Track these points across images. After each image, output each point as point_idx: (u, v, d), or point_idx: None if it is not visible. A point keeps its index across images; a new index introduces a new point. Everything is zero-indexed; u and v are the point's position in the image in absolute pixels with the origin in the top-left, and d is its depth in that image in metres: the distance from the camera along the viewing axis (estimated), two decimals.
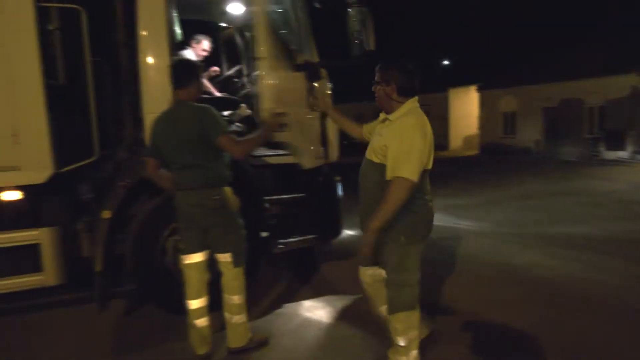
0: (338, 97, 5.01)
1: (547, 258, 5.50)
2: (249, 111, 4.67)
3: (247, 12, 4.70)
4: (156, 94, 3.82)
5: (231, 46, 5.78)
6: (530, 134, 21.76)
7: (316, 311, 4.19)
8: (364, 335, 3.68)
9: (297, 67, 4.42)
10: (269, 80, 4.30)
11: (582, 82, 18.68)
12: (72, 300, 4.30)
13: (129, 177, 3.89)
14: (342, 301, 4.33)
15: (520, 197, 10.07)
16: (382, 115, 2.92)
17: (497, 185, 12.01)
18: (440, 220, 7.89)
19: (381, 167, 2.72)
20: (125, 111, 4.26)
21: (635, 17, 18.58)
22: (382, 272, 2.97)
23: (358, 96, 20.61)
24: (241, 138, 3.35)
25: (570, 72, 19.05)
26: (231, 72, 5.67)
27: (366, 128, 3.22)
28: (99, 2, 4.01)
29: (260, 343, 3.54)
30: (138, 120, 4.04)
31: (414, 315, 2.87)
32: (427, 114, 2.86)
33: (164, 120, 3.18)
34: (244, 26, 5.31)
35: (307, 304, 4.33)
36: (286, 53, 4.41)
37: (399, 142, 2.64)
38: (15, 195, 3.73)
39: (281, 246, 4.39)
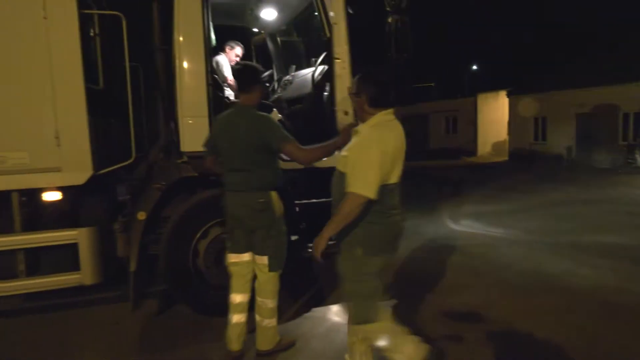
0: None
1: (582, 267, 5.37)
2: (280, 115, 4.71)
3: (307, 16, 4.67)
4: (192, 99, 3.91)
5: (262, 51, 5.85)
6: (561, 140, 21.25)
7: (345, 316, 4.17)
8: None
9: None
10: (347, 82, 4.22)
11: (617, 87, 18.16)
12: (101, 299, 4.43)
13: (163, 180, 3.98)
14: None
15: (551, 204, 9.84)
16: None
17: (527, 192, 11.76)
18: (470, 227, 7.89)
19: (345, 177, 2.65)
20: (160, 115, 4.37)
21: None
22: None
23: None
24: (310, 146, 3.36)
25: (605, 77, 18.56)
26: (263, 76, 5.73)
27: None
28: (137, 8, 4.13)
29: (287, 346, 3.57)
30: (173, 124, 4.13)
31: (375, 327, 2.74)
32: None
33: (224, 122, 3.29)
34: (277, 31, 5.37)
35: (336, 308, 4.33)
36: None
37: (357, 155, 2.59)
38: (55, 195, 3.86)
39: (310, 250, 4.40)
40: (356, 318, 2.76)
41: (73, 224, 3.95)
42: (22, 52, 3.55)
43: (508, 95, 24.43)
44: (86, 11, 3.77)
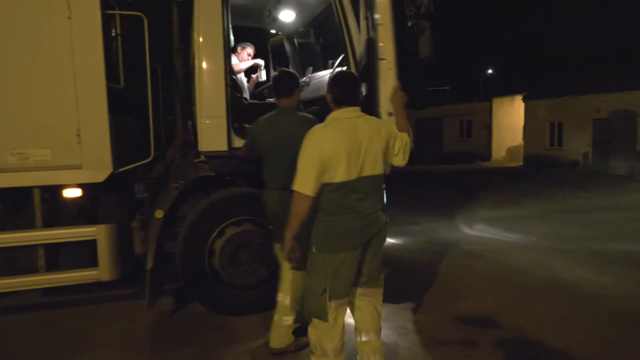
0: None
1: (598, 274, 5.30)
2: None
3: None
4: (210, 99, 3.94)
5: (279, 52, 5.88)
6: (578, 146, 20.98)
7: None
8: (407, 345, 3.66)
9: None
10: (392, 82, 4.16)
11: (634, 93, 17.90)
12: (117, 295, 4.48)
13: (181, 179, 4.02)
14: (386, 309, 4.30)
15: (567, 210, 9.73)
16: None
17: (543, 197, 11.64)
18: (484, 231, 7.83)
19: None
20: (178, 115, 4.42)
21: None
22: None
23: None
24: None
25: (623, 83, 18.30)
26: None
27: None
28: (158, 9, 4.18)
29: (301, 347, 3.56)
30: (191, 124, 4.17)
31: (322, 326, 2.83)
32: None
33: (268, 123, 3.44)
34: (294, 33, 5.39)
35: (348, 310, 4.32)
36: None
37: (300, 153, 2.69)
38: (75, 192, 3.93)
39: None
40: (306, 312, 2.89)
41: (92, 220, 4.02)
42: (46, 51, 3.61)
43: (524, 100, 24.22)
44: (109, 11, 3.83)
